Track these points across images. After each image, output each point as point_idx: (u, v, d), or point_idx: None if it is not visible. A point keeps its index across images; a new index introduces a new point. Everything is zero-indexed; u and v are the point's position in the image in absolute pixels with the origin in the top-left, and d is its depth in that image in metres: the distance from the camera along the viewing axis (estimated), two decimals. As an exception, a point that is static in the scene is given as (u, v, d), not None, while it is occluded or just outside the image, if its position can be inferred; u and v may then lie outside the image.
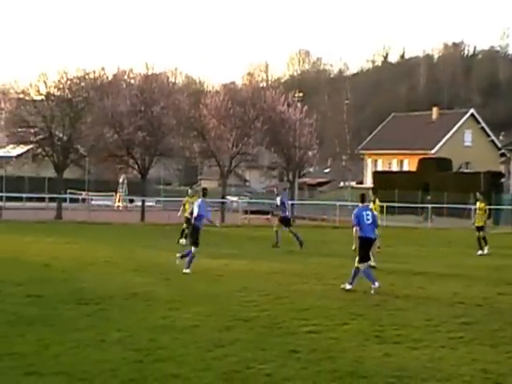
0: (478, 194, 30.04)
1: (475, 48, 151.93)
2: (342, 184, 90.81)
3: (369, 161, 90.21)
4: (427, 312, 14.23)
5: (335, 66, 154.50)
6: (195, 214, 20.22)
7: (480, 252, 27.58)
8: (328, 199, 67.78)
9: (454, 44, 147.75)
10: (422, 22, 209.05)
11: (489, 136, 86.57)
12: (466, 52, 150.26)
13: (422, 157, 73.59)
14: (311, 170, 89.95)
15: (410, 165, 79.74)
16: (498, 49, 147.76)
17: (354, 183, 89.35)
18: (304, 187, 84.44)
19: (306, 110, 58.78)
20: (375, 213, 18.95)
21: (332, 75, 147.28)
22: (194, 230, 20.35)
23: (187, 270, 19.32)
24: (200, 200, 20.62)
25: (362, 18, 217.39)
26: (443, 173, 65.71)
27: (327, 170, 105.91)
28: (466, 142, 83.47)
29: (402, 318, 13.51)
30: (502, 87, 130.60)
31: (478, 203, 29.12)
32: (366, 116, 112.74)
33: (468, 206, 49.16)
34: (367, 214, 17.24)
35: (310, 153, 59.35)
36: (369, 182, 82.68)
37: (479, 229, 28.34)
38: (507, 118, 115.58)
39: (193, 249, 19.77)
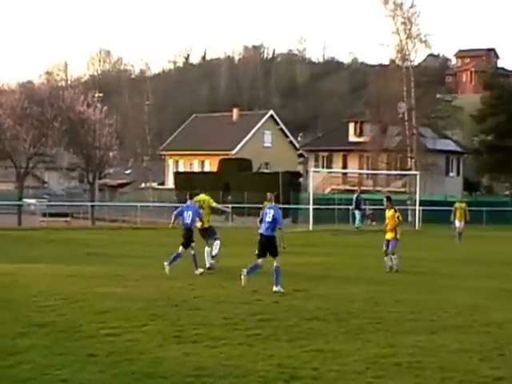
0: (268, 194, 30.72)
1: (274, 51, 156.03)
2: (143, 185, 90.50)
3: (170, 161, 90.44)
4: (226, 310, 14.41)
5: (136, 66, 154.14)
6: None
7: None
8: (129, 200, 67.35)
9: (254, 47, 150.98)
10: (223, 24, 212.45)
11: (287, 137, 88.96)
12: (265, 55, 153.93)
13: (222, 157, 74.63)
14: (111, 171, 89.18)
15: (211, 165, 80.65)
16: (296, 52, 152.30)
17: (155, 184, 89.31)
18: (105, 188, 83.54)
19: (106, 110, 58.19)
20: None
21: (133, 75, 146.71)
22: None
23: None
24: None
25: (163, 19, 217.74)
26: (243, 173, 66.93)
27: (128, 171, 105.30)
28: (265, 143, 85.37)
29: (201, 318, 13.62)
30: (300, 89, 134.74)
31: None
32: (167, 116, 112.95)
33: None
34: (269, 213, 18.00)
35: (110, 154, 58.83)
36: (170, 182, 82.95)
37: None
38: (305, 119, 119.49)
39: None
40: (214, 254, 22.02)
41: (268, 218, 17.85)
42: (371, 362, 10.31)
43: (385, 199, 23.75)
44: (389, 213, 22.84)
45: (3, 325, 12.82)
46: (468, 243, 36.02)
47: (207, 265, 21.57)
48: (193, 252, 20.89)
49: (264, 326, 12.88)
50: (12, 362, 10.18)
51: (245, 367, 10.02)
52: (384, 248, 22.62)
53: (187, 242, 20.96)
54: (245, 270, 17.87)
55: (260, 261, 17.92)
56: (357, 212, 46.72)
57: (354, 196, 48.13)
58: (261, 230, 18.03)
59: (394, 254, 22.47)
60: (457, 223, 37.28)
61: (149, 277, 19.88)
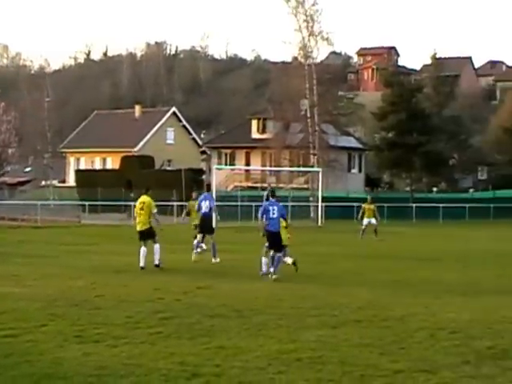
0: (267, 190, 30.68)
1: (177, 48, 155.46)
2: (43, 183, 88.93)
3: (71, 159, 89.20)
4: (128, 309, 14.27)
5: (36, 61, 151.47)
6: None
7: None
8: (29, 199, 66.09)
9: (157, 43, 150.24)
10: (125, 20, 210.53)
11: (190, 134, 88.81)
12: (168, 51, 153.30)
13: (124, 154, 73.99)
14: (9, 169, 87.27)
15: (113, 162, 79.86)
16: (199, 49, 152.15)
17: (56, 182, 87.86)
18: (3, 187, 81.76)
19: (4, 106, 57.04)
20: None
21: (32, 71, 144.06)
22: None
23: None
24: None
25: (64, 14, 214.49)
26: (146, 170, 66.54)
27: (28, 169, 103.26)
28: (168, 140, 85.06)
29: (103, 317, 13.44)
30: (202, 86, 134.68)
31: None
32: (68, 113, 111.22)
33: (170, 203, 50.11)
34: (273, 209, 18.89)
35: (9, 151, 57.69)
36: (71, 180, 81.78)
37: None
38: (208, 116, 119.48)
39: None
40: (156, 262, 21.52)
41: (273, 215, 18.83)
42: (273, 358, 10.33)
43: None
44: None
45: None
46: (369, 239, 36.61)
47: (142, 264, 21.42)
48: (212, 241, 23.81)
49: (166, 324, 12.81)
50: None
51: (146, 366, 9.92)
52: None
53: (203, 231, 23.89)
54: (272, 271, 18.59)
55: (272, 252, 19.28)
56: None
57: (265, 193, 48.32)
58: (269, 227, 19.05)
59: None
60: (365, 221, 37.71)
61: (48, 276, 19.55)
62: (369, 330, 12.54)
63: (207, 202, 23.96)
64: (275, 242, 19.19)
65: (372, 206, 38.60)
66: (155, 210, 22.28)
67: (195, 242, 25.77)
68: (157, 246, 21.38)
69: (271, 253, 19.34)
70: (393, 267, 23.46)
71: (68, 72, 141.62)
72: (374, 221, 37.95)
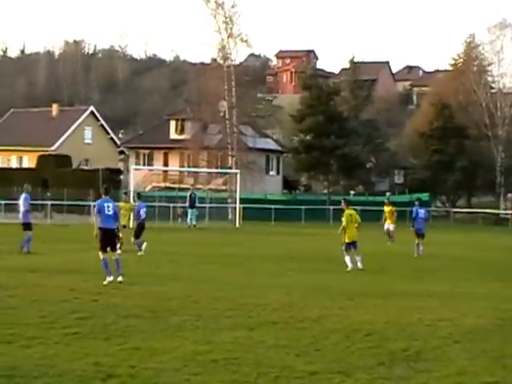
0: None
1: (95, 46, 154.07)
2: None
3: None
4: (42, 309, 14.13)
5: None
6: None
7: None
8: None
9: (75, 41, 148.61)
10: (44, 18, 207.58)
11: (108, 133, 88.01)
12: (86, 50, 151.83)
13: (41, 153, 72.94)
14: None
15: (29, 161, 78.61)
16: (118, 48, 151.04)
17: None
18: None
19: None
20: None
21: None
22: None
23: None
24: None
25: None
26: (62, 169, 65.74)
27: None
28: (86, 139, 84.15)
29: (16, 317, 13.27)
30: (120, 85, 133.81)
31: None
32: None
33: (87, 203, 49.62)
34: (108, 206, 18.28)
35: None
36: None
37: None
38: (126, 115, 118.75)
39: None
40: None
41: (108, 212, 18.31)
42: (189, 360, 10.37)
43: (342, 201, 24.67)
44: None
45: None
46: (286, 240, 36.88)
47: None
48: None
49: (81, 324, 12.73)
50: None
51: (60, 366, 9.86)
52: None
53: None
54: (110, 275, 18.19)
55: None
56: (190, 210, 47.00)
57: (188, 194, 48.38)
58: (105, 224, 18.33)
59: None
60: (385, 225, 36.66)
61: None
62: (285, 331, 12.66)
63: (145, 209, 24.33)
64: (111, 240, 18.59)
65: (390, 208, 37.20)
66: None
67: (136, 241, 26.93)
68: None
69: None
70: (308, 269, 23.61)
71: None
72: (388, 224, 36.51)
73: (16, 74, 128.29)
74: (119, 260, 18.52)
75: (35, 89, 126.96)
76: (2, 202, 52.66)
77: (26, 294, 16.12)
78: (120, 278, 18.25)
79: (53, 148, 78.84)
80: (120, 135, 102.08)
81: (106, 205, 18.35)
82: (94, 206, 18.77)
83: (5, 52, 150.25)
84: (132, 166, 62.97)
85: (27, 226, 26.79)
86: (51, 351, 10.73)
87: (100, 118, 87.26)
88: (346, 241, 23.31)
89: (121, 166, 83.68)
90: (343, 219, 23.53)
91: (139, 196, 23.88)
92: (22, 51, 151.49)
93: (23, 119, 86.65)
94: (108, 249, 18.31)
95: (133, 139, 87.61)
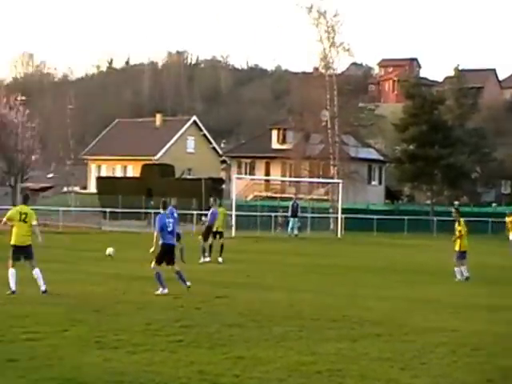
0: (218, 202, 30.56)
1: (198, 57, 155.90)
2: (65, 189, 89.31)
3: (93, 166, 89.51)
4: (147, 316, 14.33)
5: (59, 69, 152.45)
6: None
7: (221, 259, 27.63)
8: (51, 204, 66.35)
9: (178, 52, 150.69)
10: (147, 30, 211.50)
11: (211, 143, 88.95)
12: (189, 61, 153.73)
13: (145, 162, 74.17)
14: (33, 174, 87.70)
15: (134, 170, 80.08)
16: (220, 59, 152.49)
17: (77, 188, 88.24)
18: (26, 192, 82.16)
19: (29, 113, 57.43)
20: None
21: (56, 79, 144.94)
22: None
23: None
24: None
25: (87, 23, 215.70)
26: (166, 178, 66.59)
27: (51, 175, 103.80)
28: (188, 149, 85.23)
29: (123, 323, 13.52)
30: (223, 96, 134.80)
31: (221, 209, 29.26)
32: (90, 121, 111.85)
33: (190, 212, 50.18)
34: (169, 222, 18.17)
35: (32, 157, 58.02)
36: (93, 187, 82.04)
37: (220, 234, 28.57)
38: (228, 125, 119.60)
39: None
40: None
41: (168, 228, 18.25)
42: (293, 370, 10.33)
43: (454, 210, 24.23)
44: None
45: None
46: (389, 252, 36.50)
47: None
48: None
49: (186, 333, 12.84)
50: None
51: (166, 374, 9.97)
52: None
53: None
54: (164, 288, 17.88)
55: None
56: (292, 220, 46.97)
57: (290, 203, 48.41)
58: (167, 240, 18.20)
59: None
60: (510, 236, 36.34)
61: (70, 282, 19.67)
62: (389, 344, 12.49)
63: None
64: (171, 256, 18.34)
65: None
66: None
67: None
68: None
69: None
70: (411, 281, 23.34)
71: (91, 80, 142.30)
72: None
73: (121, 85, 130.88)
74: (180, 271, 18.40)
75: (139, 99, 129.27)
76: (108, 210, 53.78)
77: (133, 301, 16.39)
78: (188, 283, 18.16)
79: (156, 157, 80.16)
80: (222, 145, 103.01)
81: (167, 221, 18.23)
82: (155, 221, 18.49)
83: (110, 63, 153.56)
84: (234, 176, 63.39)
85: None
86: (157, 358, 10.86)
87: (203, 128, 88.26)
88: (460, 249, 22.91)
89: (223, 175, 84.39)
90: (459, 227, 23.11)
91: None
92: (127, 62, 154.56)
93: (128, 129, 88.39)
94: (163, 264, 18.08)
95: (235, 149, 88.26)
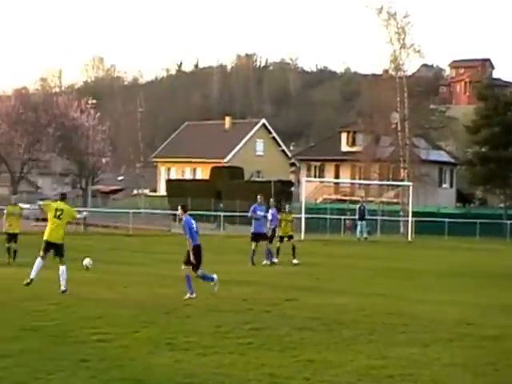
0: (287, 206, 30.31)
1: (267, 60, 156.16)
2: (135, 192, 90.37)
3: (162, 169, 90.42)
4: (217, 319, 14.38)
5: (129, 73, 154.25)
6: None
7: (296, 261, 27.63)
8: (121, 207, 67.20)
9: (247, 55, 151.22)
10: (216, 33, 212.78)
11: (280, 146, 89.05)
12: (258, 63, 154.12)
13: (214, 165, 74.57)
14: (103, 177, 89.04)
15: (203, 173, 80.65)
16: (289, 61, 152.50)
17: (147, 191, 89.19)
18: (97, 194, 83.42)
19: (100, 116, 58.23)
20: None
21: (126, 82, 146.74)
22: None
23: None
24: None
25: (157, 27, 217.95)
26: (235, 181, 66.84)
27: (121, 178, 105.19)
28: (257, 152, 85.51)
29: (192, 325, 13.58)
30: (292, 98, 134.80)
31: (283, 214, 29.11)
32: (160, 124, 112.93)
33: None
34: (193, 223, 17.83)
35: (103, 160, 58.81)
36: (162, 189, 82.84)
37: (289, 237, 28.52)
38: (297, 128, 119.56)
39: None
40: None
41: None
42: (363, 374, 10.25)
43: None
44: None
45: (-4, 328, 12.81)
46: (460, 256, 35.98)
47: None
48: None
49: (255, 335, 12.84)
50: (5, 364, 10.18)
51: (236, 376, 9.98)
52: None
53: None
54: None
55: None
56: (359, 223, 46.62)
57: (357, 206, 48.08)
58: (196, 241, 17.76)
59: None
60: None
61: (139, 283, 19.84)
62: (461, 349, 12.27)
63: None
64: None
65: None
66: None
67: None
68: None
69: None
70: (484, 285, 22.97)
71: (160, 83, 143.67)
72: None
73: (190, 88, 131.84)
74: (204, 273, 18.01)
75: (209, 102, 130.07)
76: (177, 213, 54.18)
77: (202, 303, 16.45)
78: (215, 289, 17.86)
79: (225, 160, 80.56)
80: (291, 147, 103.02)
81: (193, 222, 17.91)
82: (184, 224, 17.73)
83: (179, 67, 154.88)
84: (303, 178, 63.25)
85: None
86: (227, 360, 10.87)
87: (272, 131, 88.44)
88: None
89: (292, 178, 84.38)
90: None
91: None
92: (196, 65, 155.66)
93: (197, 132, 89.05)
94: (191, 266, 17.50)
95: (304, 151, 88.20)
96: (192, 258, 17.38)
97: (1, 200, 57.84)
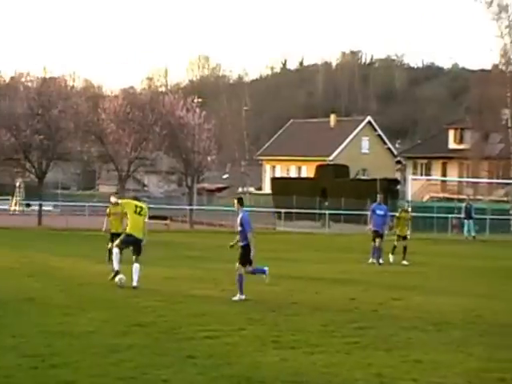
0: (406, 204, 29.81)
1: (372, 56, 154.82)
2: (240, 190, 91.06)
3: (267, 167, 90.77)
4: (323, 317, 14.32)
5: (234, 71, 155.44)
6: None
7: (406, 262, 27.16)
8: (226, 205, 67.78)
9: (352, 52, 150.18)
10: (320, 30, 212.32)
11: (385, 143, 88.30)
12: (363, 60, 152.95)
13: (319, 163, 74.41)
14: (209, 175, 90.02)
15: (308, 171, 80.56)
16: (395, 57, 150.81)
17: (252, 189, 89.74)
18: (203, 192, 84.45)
19: (205, 115, 58.72)
20: None
21: (231, 81, 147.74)
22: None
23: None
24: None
25: (261, 25, 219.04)
26: (340, 179, 66.51)
27: (226, 176, 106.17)
28: (363, 149, 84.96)
29: (299, 324, 13.57)
30: (398, 95, 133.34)
31: (402, 212, 28.72)
32: (264, 122, 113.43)
33: (364, 212, 49.86)
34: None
35: (208, 158, 59.28)
36: (267, 187, 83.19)
37: (404, 238, 28.15)
38: (403, 125, 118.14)
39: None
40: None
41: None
42: (473, 376, 10.03)
43: None
44: None
45: (106, 323, 13.08)
46: None
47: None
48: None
49: (362, 335, 12.74)
50: (114, 359, 10.36)
51: (343, 375, 9.92)
52: None
53: None
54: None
55: None
56: (466, 222, 45.75)
57: (463, 205, 47.21)
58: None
59: None
60: None
61: (246, 281, 19.90)
62: None
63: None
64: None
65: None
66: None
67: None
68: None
69: None
70: None
71: (265, 81, 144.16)
72: None
73: (295, 86, 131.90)
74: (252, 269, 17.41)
75: (313, 100, 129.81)
76: (282, 211, 54.29)
77: (308, 301, 16.42)
78: (267, 281, 17.38)
79: (331, 158, 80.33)
80: (397, 145, 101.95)
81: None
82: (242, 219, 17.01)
83: (284, 64, 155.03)
84: (409, 176, 62.54)
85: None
86: (333, 359, 10.81)
87: (377, 128, 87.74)
88: None
89: (397, 175, 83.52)
90: None
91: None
92: (301, 63, 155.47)
93: (302, 130, 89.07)
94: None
95: (410, 149, 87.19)
96: (251, 255, 16.79)
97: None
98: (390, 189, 61.44)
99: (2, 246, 29.76)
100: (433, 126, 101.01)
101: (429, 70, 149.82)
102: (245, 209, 17.80)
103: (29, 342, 11.37)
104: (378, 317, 14.68)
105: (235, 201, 17.73)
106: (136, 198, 19.33)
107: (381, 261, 26.61)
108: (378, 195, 28.39)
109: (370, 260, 26.97)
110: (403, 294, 18.05)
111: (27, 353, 10.61)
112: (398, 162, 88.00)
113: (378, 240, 26.42)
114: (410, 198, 48.40)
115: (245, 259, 16.86)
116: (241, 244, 17.04)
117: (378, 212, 26.94)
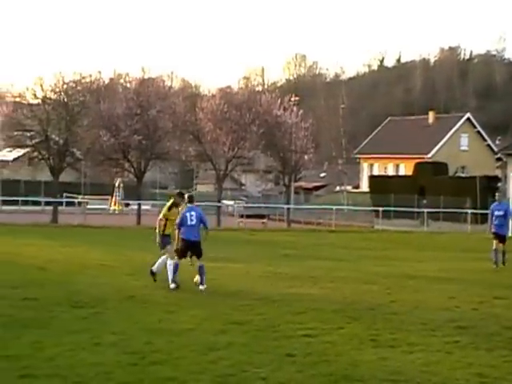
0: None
1: (471, 52, 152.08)
2: (337, 188, 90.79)
3: (365, 165, 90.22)
4: (422, 316, 14.18)
5: (331, 69, 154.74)
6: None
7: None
8: (324, 203, 67.74)
9: (451, 48, 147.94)
10: (418, 27, 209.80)
11: (485, 140, 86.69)
12: (462, 56, 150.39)
13: (418, 161, 73.56)
14: (306, 173, 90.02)
15: (406, 169, 79.79)
16: (495, 53, 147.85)
17: (349, 187, 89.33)
18: (300, 191, 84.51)
19: (302, 113, 58.80)
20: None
21: (328, 79, 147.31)
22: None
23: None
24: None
25: (358, 23, 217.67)
26: (439, 177, 65.66)
27: (323, 174, 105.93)
28: (462, 146, 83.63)
29: (398, 322, 13.47)
30: (498, 91, 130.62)
31: None
32: (361, 120, 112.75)
33: (464, 211, 49.15)
34: (191, 215, 17.09)
35: (305, 156, 59.36)
36: (365, 186, 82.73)
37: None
38: (504, 121, 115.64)
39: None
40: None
41: (191, 221, 17.13)
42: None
43: None
44: None
45: (205, 321, 13.23)
46: None
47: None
48: None
49: (462, 334, 12.57)
50: (213, 357, 10.49)
51: (443, 374, 9.83)
52: None
53: None
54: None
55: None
56: None
57: None
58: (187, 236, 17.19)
59: None
60: None
61: (343, 279, 19.90)
62: None
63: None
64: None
65: None
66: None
67: None
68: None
69: None
70: None
71: (362, 79, 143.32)
72: None
73: (393, 83, 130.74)
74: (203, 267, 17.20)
75: (411, 97, 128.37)
76: (380, 209, 53.95)
77: (407, 300, 16.28)
78: (201, 287, 16.99)
79: (429, 155, 79.33)
80: (497, 141, 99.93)
81: (188, 215, 17.04)
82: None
83: (381, 62, 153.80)
84: (511, 174, 61.19)
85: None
86: (433, 358, 10.71)
87: (477, 125, 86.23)
88: None
89: (498, 173, 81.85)
90: None
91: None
92: (398, 60, 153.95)
93: (400, 127, 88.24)
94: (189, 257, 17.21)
95: (511, 145, 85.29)
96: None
97: (206, 197, 59.86)
98: (491, 186, 60.30)
99: (102, 245, 30.41)
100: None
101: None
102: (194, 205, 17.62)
103: (129, 339, 11.61)
104: (479, 315, 14.45)
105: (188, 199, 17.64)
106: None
107: (496, 266, 24.05)
108: (497, 194, 27.28)
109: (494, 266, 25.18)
110: (506, 293, 17.70)
111: (127, 350, 10.85)
112: (499, 159, 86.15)
113: (495, 242, 24.08)
114: (511, 196, 47.32)
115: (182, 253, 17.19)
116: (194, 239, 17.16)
117: (497, 213, 24.46)
